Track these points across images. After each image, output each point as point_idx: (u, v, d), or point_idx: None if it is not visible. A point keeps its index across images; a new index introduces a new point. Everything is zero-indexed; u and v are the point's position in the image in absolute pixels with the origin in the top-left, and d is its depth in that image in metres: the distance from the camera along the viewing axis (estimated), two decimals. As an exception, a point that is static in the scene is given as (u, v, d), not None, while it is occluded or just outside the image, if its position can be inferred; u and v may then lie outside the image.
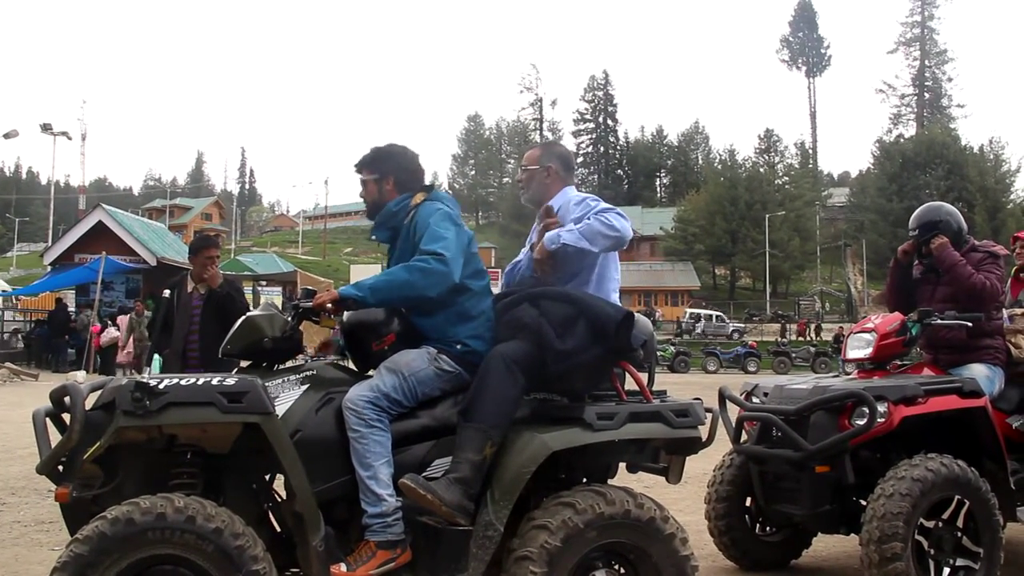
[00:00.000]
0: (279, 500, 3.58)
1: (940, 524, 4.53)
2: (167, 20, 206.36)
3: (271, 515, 3.61)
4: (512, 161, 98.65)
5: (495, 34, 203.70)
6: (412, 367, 3.54)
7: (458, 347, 3.63)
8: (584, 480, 3.75)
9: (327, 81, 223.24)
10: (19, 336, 29.25)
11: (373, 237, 4.05)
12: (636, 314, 4.08)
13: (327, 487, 3.41)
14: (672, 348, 38.74)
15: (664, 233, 70.07)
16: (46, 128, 49.51)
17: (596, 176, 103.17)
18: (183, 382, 3.29)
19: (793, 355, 37.13)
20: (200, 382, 3.29)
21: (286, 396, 3.46)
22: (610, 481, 3.83)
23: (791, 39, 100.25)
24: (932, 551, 4.51)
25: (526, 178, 4.13)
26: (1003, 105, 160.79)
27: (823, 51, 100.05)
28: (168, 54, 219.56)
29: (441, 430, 3.52)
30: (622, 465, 4.03)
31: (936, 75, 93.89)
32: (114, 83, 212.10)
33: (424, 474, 3.43)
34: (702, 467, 7.65)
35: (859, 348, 5.24)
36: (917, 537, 4.46)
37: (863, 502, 4.64)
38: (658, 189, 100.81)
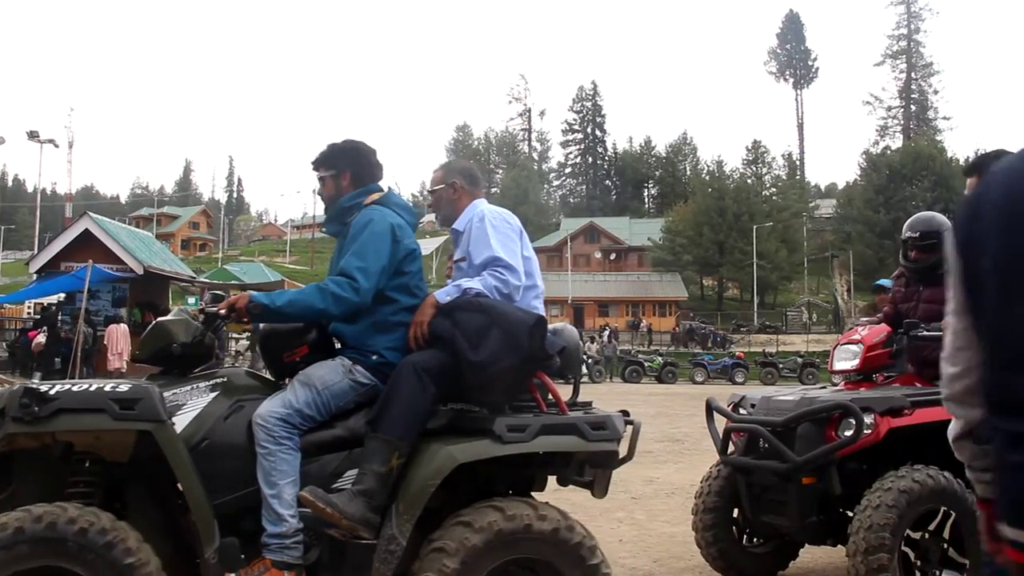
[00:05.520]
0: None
1: (927, 535, 4.55)
2: (155, 28, 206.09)
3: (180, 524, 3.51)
4: (500, 171, 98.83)
5: (484, 44, 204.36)
6: (326, 381, 3.48)
7: (374, 358, 3.57)
8: (510, 492, 3.69)
9: (315, 90, 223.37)
10: (3, 344, 29.10)
11: (324, 230, 4.07)
12: (563, 323, 4.07)
13: (234, 497, 3.35)
14: (660, 359, 38.86)
15: (652, 244, 70.17)
16: (33, 135, 49.31)
17: (584, 186, 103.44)
18: (75, 388, 3.25)
19: (780, 366, 37.25)
20: (92, 388, 3.25)
21: (194, 403, 3.42)
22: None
23: (779, 51, 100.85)
24: (919, 562, 4.53)
25: (434, 199, 4.07)
26: (989, 117, 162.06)
27: (810, 63, 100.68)
28: (156, 62, 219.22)
29: (354, 441, 3.46)
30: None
31: (922, 87, 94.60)
32: (102, 91, 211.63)
33: (335, 485, 3.38)
34: (689, 479, 7.66)
35: (846, 360, 5.26)
36: (904, 548, 4.47)
37: (850, 513, 4.65)
38: (646, 200, 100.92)
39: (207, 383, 3.52)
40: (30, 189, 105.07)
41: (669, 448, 12.98)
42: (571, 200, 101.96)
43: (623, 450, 3.67)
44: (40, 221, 63.19)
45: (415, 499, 3.30)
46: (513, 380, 3.50)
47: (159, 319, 3.69)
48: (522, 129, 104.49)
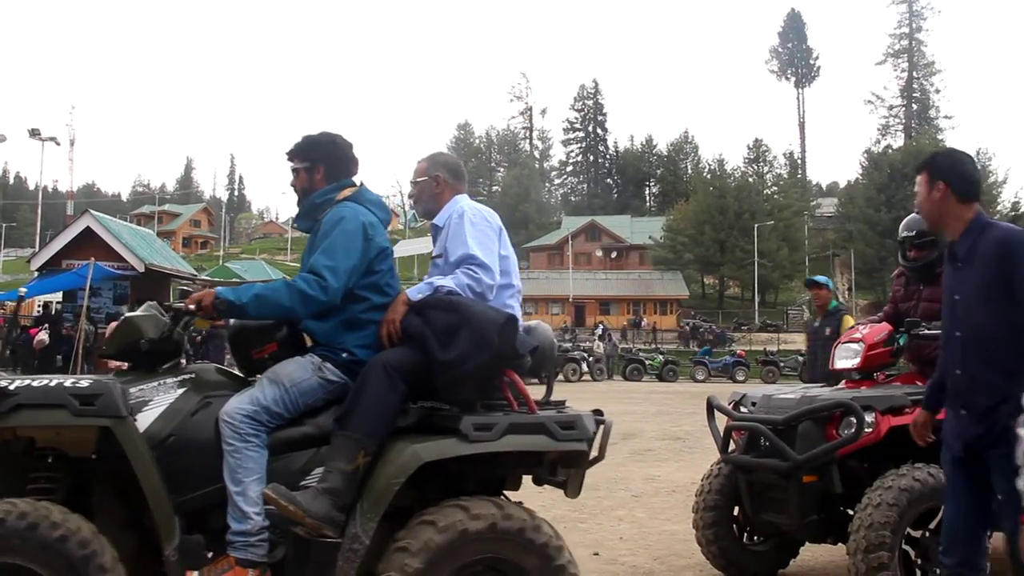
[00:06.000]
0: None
1: (927, 533, 4.54)
2: (157, 25, 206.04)
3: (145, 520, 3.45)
4: (502, 170, 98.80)
5: (485, 43, 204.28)
6: (294, 378, 3.44)
7: (343, 355, 3.53)
8: (485, 491, 3.61)
9: (317, 88, 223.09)
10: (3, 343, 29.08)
11: (295, 225, 4.02)
12: (537, 321, 4.00)
13: (200, 494, 3.34)
14: (661, 357, 38.87)
15: (653, 242, 70.15)
16: (34, 133, 49.30)
17: (585, 185, 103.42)
18: (35, 383, 3.24)
19: (781, 364, 37.26)
20: (53, 383, 3.24)
21: (161, 399, 3.40)
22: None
23: (780, 50, 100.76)
24: (919, 560, 4.52)
25: (417, 191, 4.01)
26: (990, 116, 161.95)
27: (812, 62, 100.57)
28: (157, 60, 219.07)
29: (323, 438, 3.42)
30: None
31: (924, 86, 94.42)
32: (103, 88, 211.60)
33: (303, 483, 3.35)
34: (690, 477, 7.66)
35: (847, 358, 5.26)
36: (904, 547, 4.47)
37: (850, 512, 4.65)
38: (647, 198, 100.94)
39: (175, 379, 3.49)
40: (31, 187, 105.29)
41: (670, 446, 12.99)
42: (572, 198, 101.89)
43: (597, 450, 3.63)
44: (41, 219, 63.20)
45: (379, 498, 3.26)
46: (482, 379, 3.45)
47: (127, 315, 3.65)
48: (523, 127, 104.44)
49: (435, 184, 3.95)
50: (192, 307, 3.44)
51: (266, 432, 3.36)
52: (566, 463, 3.64)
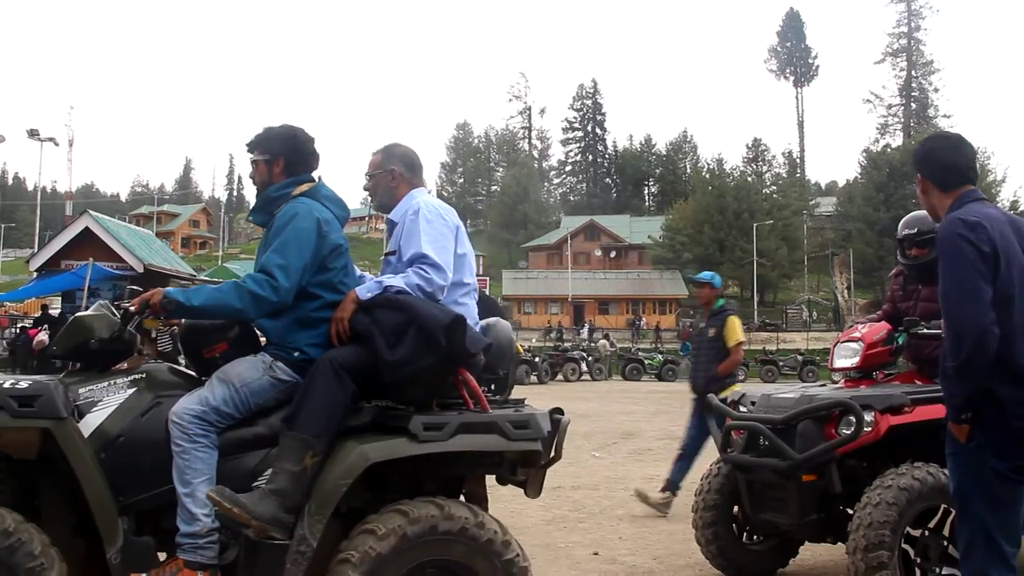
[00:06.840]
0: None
1: (927, 533, 4.54)
2: (156, 26, 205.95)
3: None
4: (500, 169, 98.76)
5: (484, 42, 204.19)
6: (244, 378, 3.40)
7: (295, 354, 3.49)
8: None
9: (315, 88, 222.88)
10: (3, 343, 29.14)
11: (250, 219, 3.99)
12: (497, 318, 3.96)
13: (151, 495, 3.31)
14: (660, 356, 38.84)
15: (652, 242, 70.15)
16: (33, 133, 49.32)
17: (584, 184, 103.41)
18: None
19: (780, 364, 37.25)
20: None
21: (111, 399, 3.37)
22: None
23: (779, 49, 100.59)
24: (918, 560, 4.52)
25: (372, 185, 3.96)
26: (989, 115, 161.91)
27: (811, 61, 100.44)
28: (156, 60, 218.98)
29: (276, 438, 3.37)
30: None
31: (923, 85, 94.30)
32: (102, 89, 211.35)
33: (255, 484, 3.32)
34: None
35: (846, 357, 5.26)
36: (904, 546, 4.47)
37: (850, 511, 4.65)
38: (646, 198, 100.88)
39: (126, 379, 3.46)
40: (30, 187, 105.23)
41: (669, 446, 12.93)
42: (571, 198, 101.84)
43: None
44: (40, 219, 63.29)
45: (327, 499, 3.22)
46: (431, 379, 3.42)
47: (78, 314, 3.61)
48: (522, 127, 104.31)
49: (390, 178, 3.90)
50: (135, 307, 3.41)
51: (215, 433, 3.33)
52: (524, 463, 3.62)
